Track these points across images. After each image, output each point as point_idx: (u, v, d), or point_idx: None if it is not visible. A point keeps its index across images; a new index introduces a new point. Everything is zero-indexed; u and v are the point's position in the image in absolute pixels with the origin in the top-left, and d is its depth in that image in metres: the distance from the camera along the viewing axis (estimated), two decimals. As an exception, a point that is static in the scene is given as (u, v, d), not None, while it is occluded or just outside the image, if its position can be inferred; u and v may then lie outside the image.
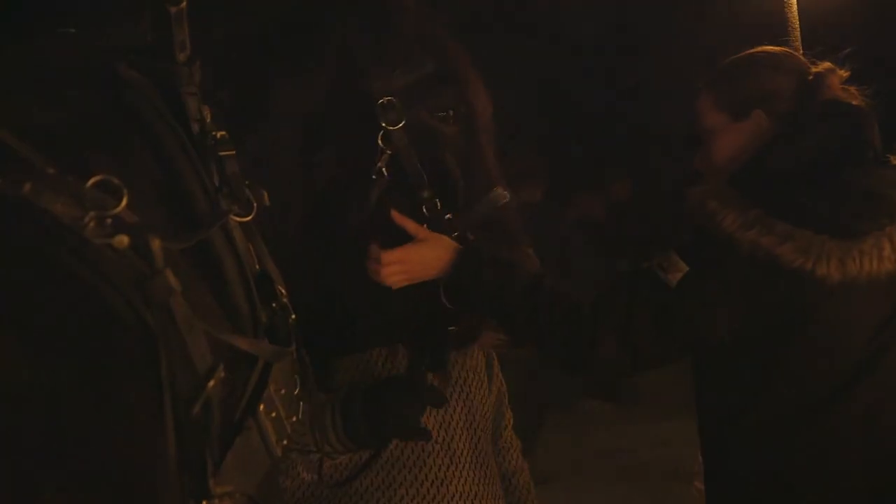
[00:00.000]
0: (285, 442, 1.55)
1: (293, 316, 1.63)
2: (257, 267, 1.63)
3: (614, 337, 2.20)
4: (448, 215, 2.10)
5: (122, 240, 1.34)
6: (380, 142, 1.97)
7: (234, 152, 1.59)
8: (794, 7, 4.54)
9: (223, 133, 1.59)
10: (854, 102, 2.36)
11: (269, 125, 1.79)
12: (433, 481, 2.32)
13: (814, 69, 2.41)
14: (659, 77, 8.49)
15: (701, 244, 2.24)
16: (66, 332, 1.28)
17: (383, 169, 1.98)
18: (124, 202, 1.35)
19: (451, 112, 2.06)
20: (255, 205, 1.60)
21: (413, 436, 2.21)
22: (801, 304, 2.19)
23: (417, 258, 2.09)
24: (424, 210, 2.07)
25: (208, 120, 1.59)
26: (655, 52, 8.79)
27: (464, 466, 2.36)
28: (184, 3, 1.55)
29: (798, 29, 4.44)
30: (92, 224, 1.33)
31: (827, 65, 2.41)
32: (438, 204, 2.07)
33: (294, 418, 1.59)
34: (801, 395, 2.24)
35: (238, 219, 1.58)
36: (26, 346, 1.23)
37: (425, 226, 2.09)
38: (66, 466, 1.23)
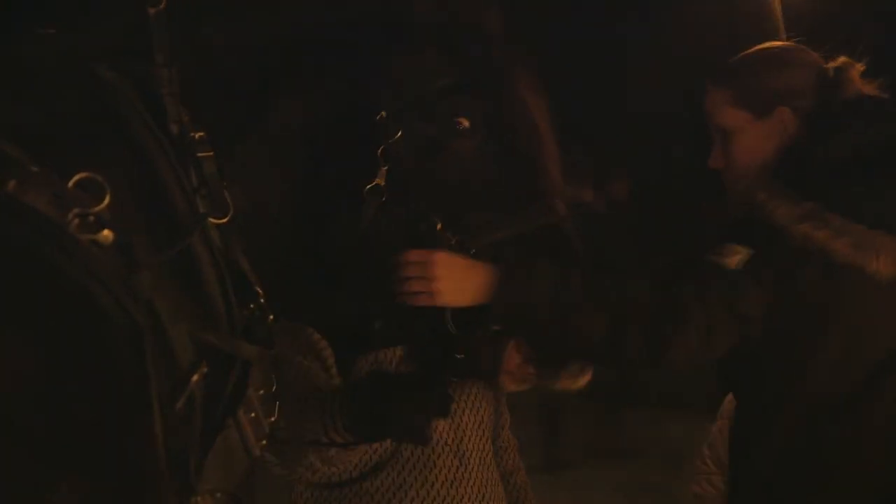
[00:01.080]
0: (263, 442, 1.56)
1: (271, 317, 1.64)
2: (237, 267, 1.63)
3: (692, 327, 2.13)
4: (454, 238, 1.92)
5: (108, 235, 1.36)
6: (379, 157, 1.83)
7: (212, 153, 1.59)
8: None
9: (202, 134, 1.59)
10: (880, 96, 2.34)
11: (267, 134, 1.76)
12: (443, 483, 2.33)
13: (832, 64, 2.38)
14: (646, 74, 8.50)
15: (748, 235, 2.21)
16: (61, 330, 1.31)
17: (381, 185, 1.84)
18: (107, 199, 1.37)
19: (464, 124, 1.88)
20: (231, 206, 1.60)
21: (416, 440, 2.18)
22: (848, 297, 2.19)
23: (449, 278, 1.95)
24: (422, 230, 1.90)
25: (187, 121, 1.59)
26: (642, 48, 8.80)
27: (473, 468, 2.38)
28: (163, 5, 1.56)
29: (780, 21, 4.43)
30: (76, 221, 1.35)
31: (844, 59, 2.38)
32: (438, 225, 1.90)
33: (272, 419, 1.59)
34: (835, 386, 2.23)
35: (215, 221, 1.58)
36: (27, 345, 1.27)
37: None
38: (69, 461, 1.26)
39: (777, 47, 2.47)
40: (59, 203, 1.35)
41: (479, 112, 1.89)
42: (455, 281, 1.96)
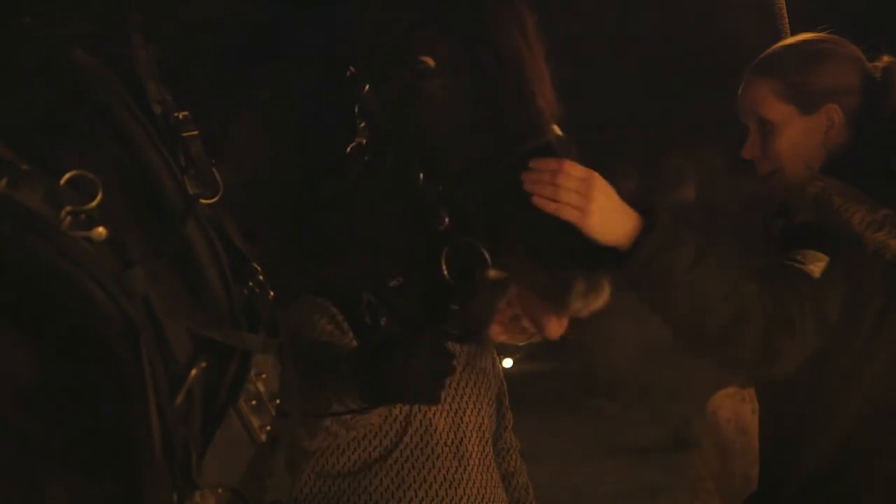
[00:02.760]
0: (268, 427, 1.53)
1: (272, 293, 1.61)
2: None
3: (801, 339, 2.09)
4: (440, 186, 1.78)
5: (101, 232, 1.36)
6: (357, 115, 1.74)
7: (196, 133, 1.57)
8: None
9: (185, 113, 1.57)
10: None
11: (251, 105, 1.74)
12: (442, 483, 2.32)
13: (877, 63, 2.35)
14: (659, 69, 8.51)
15: (820, 240, 2.17)
16: (55, 328, 1.32)
17: (363, 143, 1.75)
18: (99, 197, 1.37)
19: (429, 63, 1.74)
20: (221, 184, 1.58)
21: (425, 401, 2.11)
22: None
23: (604, 206, 1.83)
24: (405, 181, 1.78)
25: (170, 102, 1.57)
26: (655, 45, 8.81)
27: (473, 468, 2.36)
28: None
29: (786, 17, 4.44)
30: (68, 219, 1.35)
31: (889, 58, 2.35)
32: (421, 176, 1.76)
33: (277, 401, 1.56)
34: (887, 394, 2.20)
35: (206, 200, 1.56)
36: (20, 344, 1.28)
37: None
38: (67, 459, 1.28)
39: (824, 41, 2.41)
40: (51, 201, 1.36)
41: (449, 48, 1.76)
42: (606, 211, 1.86)
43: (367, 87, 1.72)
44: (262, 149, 1.74)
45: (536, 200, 1.76)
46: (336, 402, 2.10)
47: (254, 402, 1.51)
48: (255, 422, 1.50)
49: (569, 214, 1.81)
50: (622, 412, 7.93)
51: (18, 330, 1.30)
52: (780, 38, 2.70)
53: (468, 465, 2.36)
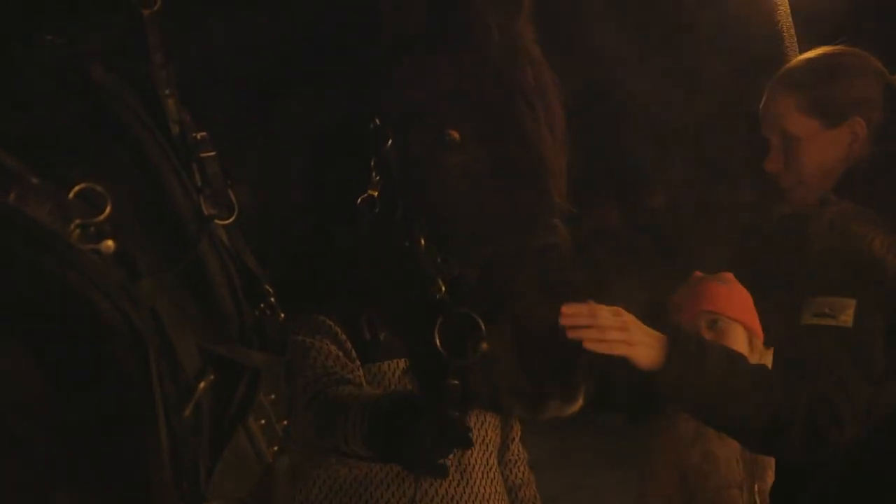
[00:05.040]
0: (275, 448, 1.53)
1: (282, 315, 1.62)
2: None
3: (847, 418, 2.10)
4: (440, 258, 1.75)
5: (109, 245, 1.37)
6: (372, 167, 1.72)
7: (214, 153, 1.58)
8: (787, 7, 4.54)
9: (203, 134, 1.58)
10: None
11: (269, 134, 1.73)
12: (443, 497, 2.33)
13: None
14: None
15: (842, 265, 2.16)
16: (63, 340, 1.32)
17: (374, 196, 1.73)
18: (108, 210, 1.38)
19: (455, 136, 1.74)
20: (236, 206, 1.58)
21: (430, 474, 2.10)
22: None
23: (640, 335, 2.00)
24: (407, 246, 1.76)
25: (188, 121, 1.57)
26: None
27: (475, 481, 2.36)
28: (157, 6, 1.55)
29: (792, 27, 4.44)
30: (77, 232, 1.36)
31: None
32: (423, 242, 1.74)
33: (285, 422, 1.56)
34: None
35: (221, 222, 1.57)
36: (28, 356, 1.28)
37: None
38: (74, 471, 1.28)
39: (846, 54, 2.41)
40: (60, 214, 1.37)
41: (475, 123, 1.76)
42: (644, 338, 2.01)
43: (389, 142, 1.72)
44: (272, 177, 1.74)
45: (587, 344, 1.85)
46: (343, 443, 2.11)
47: (263, 422, 1.51)
48: (263, 440, 1.50)
49: (619, 350, 1.96)
50: (630, 425, 7.91)
51: (26, 341, 1.30)
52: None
53: (470, 478, 2.35)
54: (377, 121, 1.72)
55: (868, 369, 2.12)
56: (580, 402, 1.82)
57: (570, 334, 1.80)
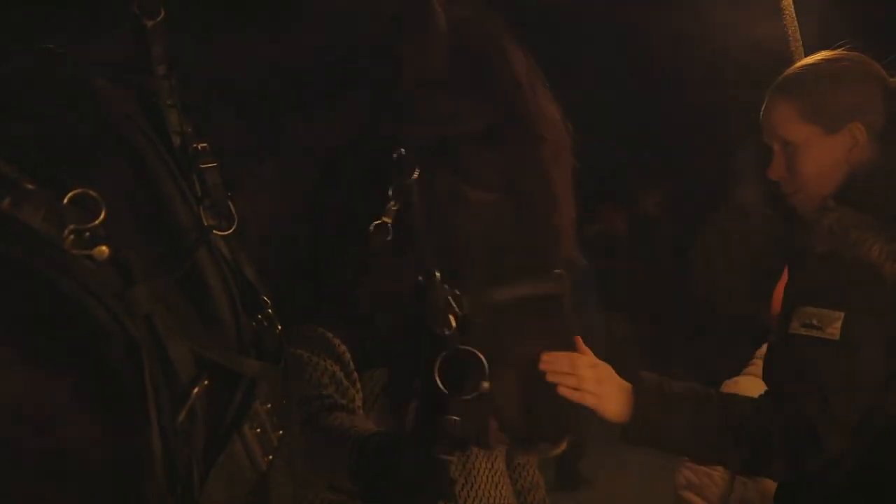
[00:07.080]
0: (270, 457, 1.53)
1: (279, 327, 1.62)
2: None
3: (833, 438, 2.11)
4: (451, 294, 1.74)
5: (103, 250, 1.37)
6: (390, 193, 1.70)
7: (215, 164, 1.58)
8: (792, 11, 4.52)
9: (204, 145, 1.58)
10: None
11: (275, 149, 1.72)
12: (448, 501, 2.29)
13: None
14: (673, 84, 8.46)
15: (837, 274, 2.16)
16: (57, 346, 1.32)
17: (388, 223, 1.71)
18: (102, 215, 1.38)
19: (485, 176, 1.75)
20: (236, 217, 1.58)
21: None
22: None
23: (609, 387, 2.08)
24: (420, 279, 1.74)
25: (189, 132, 1.57)
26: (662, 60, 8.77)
27: (481, 486, 2.35)
28: (160, 17, 1.55)
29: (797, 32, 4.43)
30: (71, 238, 1.36)
31: None
32: (438, 276, 1.73)
33: (280, 432, 1.57)
34: None
35: (220, 233, 1.57)
36: (21, 362, 1.28)
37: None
38: (66, 477, 1.28)
39: (845, 59, 2.40)
40: (53, 219, 1.37)
41: (502, 165, 1.77)
42: (613, 392, 2.10)
43: (414, 174, 1.71)
44: (275, 193, 1.72)
45: (561, 390, 1.91)
46: (330, 474, 2.12)
47: (258, 430, 1.51)
48: (258, 449, 1.50)
49: (588, 401, 2.05)
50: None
51: (18, 348, 1.30)
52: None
53: (475, 482, 2.34)
54: (402, 150, 1.70)
55: (854, 381, 2.12)
56: (565, 445, 1.90)
57: (550, 378, 1.87)
